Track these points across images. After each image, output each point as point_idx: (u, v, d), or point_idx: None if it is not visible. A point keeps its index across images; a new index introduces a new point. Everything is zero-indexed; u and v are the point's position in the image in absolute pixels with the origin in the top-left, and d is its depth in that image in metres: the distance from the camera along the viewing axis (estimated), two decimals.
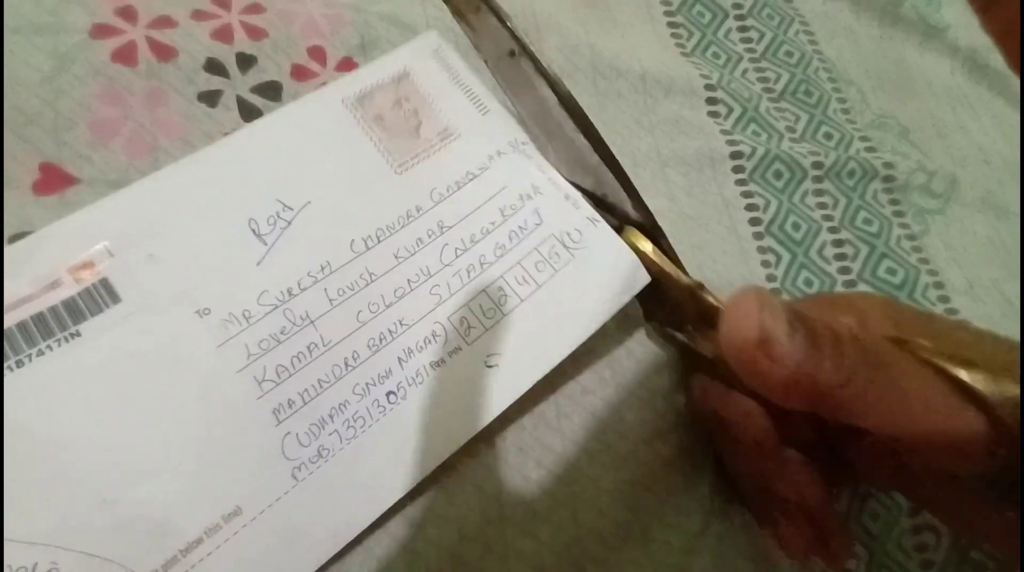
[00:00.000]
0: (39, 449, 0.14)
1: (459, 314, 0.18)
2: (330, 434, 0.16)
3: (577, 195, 0.19)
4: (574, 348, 0.18)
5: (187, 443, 0.15)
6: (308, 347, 0.17)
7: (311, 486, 0.16)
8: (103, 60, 0.18)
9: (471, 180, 0.19)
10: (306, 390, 0.16)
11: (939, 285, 0.26)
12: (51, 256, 0.15)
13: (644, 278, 0.18)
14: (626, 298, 0.18)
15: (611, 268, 0.19)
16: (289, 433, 0.16)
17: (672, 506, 0.19)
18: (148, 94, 0.18)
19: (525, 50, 0.18)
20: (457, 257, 0.18)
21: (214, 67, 0.19)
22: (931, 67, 0.31)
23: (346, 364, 0.17)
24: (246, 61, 0.20)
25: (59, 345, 0.15)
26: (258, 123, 0.18)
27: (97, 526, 0.14)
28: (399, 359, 0.17)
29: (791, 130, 0.27)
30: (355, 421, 0.16)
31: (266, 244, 0.17)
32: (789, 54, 0.28)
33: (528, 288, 0.18)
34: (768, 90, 0.27)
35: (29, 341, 0.15)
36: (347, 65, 0.21)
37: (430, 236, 0.18)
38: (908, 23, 0.31)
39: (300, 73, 0.20)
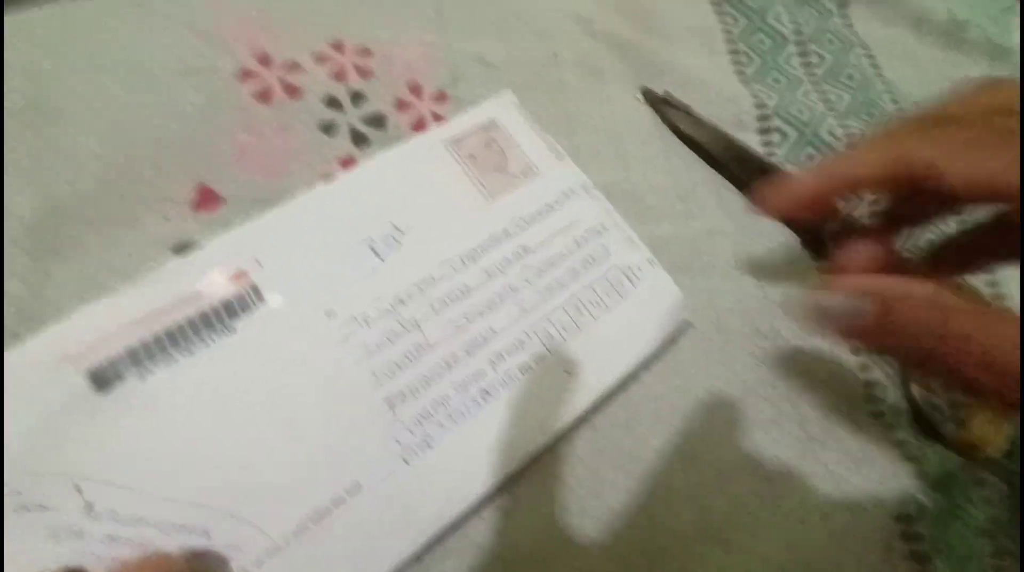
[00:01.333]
0: (198, 424, 0.17)
1: (542, 326, 0.20)
2: (434, 424, 0.19)
3: (636, 237, 0.23)
4: (641, 359, 0.20)
5: (316, 422, 0.18)
6: (415, 347, 0.19)
7: (418, 469, 0.18)
8: (246, 99, 0.22)
9: (549, 212, 0.22)
10: (414, 384, 0.19)
11: (999, 295, 0.25)
12: (214, 266, 0.19)
13: (686, 311, 0.22)
14: (674, 323, 0.22)
15: (664, 302, 0.22)
16: (400, 421, 0.18)
17: (744, 508, 0.20)
18: (280, 126, 0.22)
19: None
20: (538, 277, 0.21)
21: (332, 102, 0.23)
22: None
23: (447, 364, 0.19)
24: (358, 96, 0.23)
25: (219, 339, 0.18)
26: (375, 160, 0.22)
27: (242, 489, 0.17)
28: (491, 362, 0.20)
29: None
30: (455, 414, 0.19)
31: (381, 259, 0.20)
32: (851, 77, 0.29)
33: (599, 309, 0.21)
34: (832, 109, 0.28)
35: (196, 334, 0.18)
36: (440, 97, 0.24)
37: (515, 257, 0.21)
38: (973, 45, 0.32)
39: (401, 105, 0.23)
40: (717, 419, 0.21)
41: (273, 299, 0.19)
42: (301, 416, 0.18)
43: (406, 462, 0.18)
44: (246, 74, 0.22)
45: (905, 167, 0.14)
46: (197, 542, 0.16)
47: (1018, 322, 0.13)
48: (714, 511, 0.19)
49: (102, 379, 0.17)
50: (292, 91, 0.22)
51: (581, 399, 0.20)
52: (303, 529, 0.17)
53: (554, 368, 0.20)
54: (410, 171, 0.21)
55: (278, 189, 0.21)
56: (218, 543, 0.16)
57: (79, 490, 0.16)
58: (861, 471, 0.21)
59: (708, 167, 0.26)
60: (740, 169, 0.25)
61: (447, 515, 0.18)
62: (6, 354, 0.17)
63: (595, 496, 0.19)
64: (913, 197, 0.16)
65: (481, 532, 0.18)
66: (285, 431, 0.18)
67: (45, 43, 0.21)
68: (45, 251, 0.19)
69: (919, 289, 0.14)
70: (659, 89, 0.26)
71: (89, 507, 0.16)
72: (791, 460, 0.20)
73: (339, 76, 0.23)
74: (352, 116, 0.23)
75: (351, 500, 0.17)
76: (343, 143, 0.22)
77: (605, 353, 0.20)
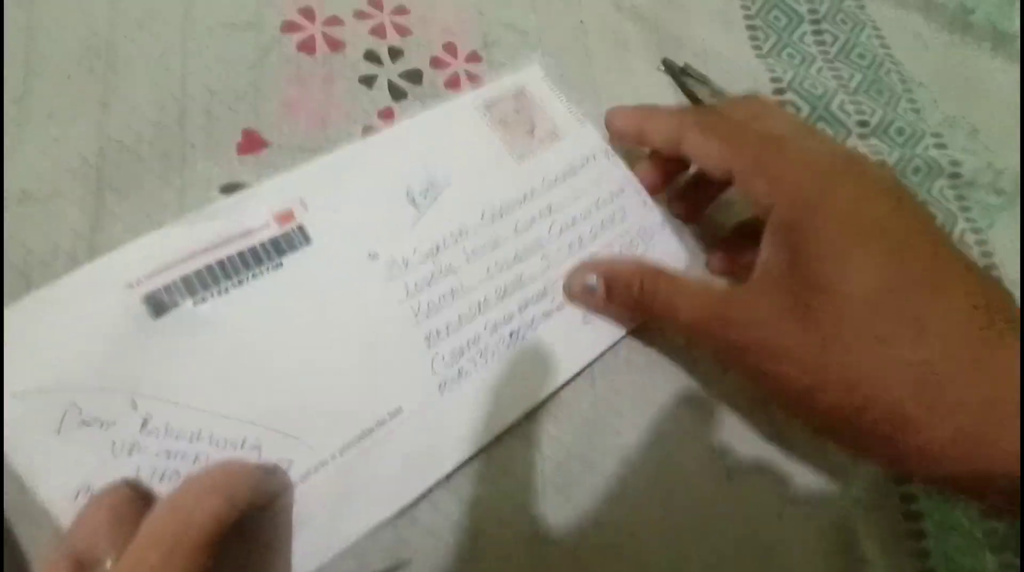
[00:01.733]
0: (249, 348, 0.18)
1: (563, 279, 0.22)
2: (467, 360, 0.20)
3: (651, 201, 0.24)
4: None
5: (362, 351, 0.19)
6: (451, 290, 0.21)
7: (453, 397, 0.20)
8: (291, 50, 0.23)
9: (573, 174, 0.23)
10: (449, 323, 0.20)
11: (1000, 278, 0.27)
12: (262, 206, 0.20)
13: (697, 268, 0.24)
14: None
15: (676, 257, 0.24)
16: (438, 354, 0.20)
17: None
18: (323, 78, 0.23)
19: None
20: (562, 233, 0.23)
21: (372, 57, 0.24)
22: (1001, 72, 0.33)
23: (479, 306, 0.21)
24: (396, 53, 0.24)
25: (267, 272, 0.19)
26: (415, 118, 0.23)
27: (291, 409, 0.18)
28: (519, 307, 0.21)
29: (863, 124, 0.29)
30: (486, 351, 0.20)
31: (419, 210, 0.21)
32: (861, 56, 0.31)
33: None
34: (843, 86, 0.29)
35: (246, 266, 0.19)
36: (474, 58, 0.25)
37: (541, 215, 0.23)
38: (979, 30, 0.33)
39: (437, 63, 0.24)
40: (692, 402, 0.22)
41: (319, 239, 0.20)
42: (346, 345, 0.19)
43: (441, 391, 0.19)
44: (291, 26, 0.23)
45: (674, 143, 0.20)
46: (250, 455, 0.17)
47: (691, 286, 0.19)
48: (674, 505, 0.21)
49: (158, 304, 0.18)
50: (334, 45, 0.23)
51: (596, 344, 0.22)
52: (348, 447, 0.18)
53: (574, 317, 0.22)
54: (447, 130, 0.23)
55: (319, 137, 0.22)
56: (269, 457, 0.18)
57: (135, 406, 0.17)
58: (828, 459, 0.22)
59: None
60: None
61: (478, 441, 0.19)
62: (66, 278, 0.18)
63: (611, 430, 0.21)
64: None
65: (506, 456, 0.20)
66: (331, 358, 0.19)
67: None
68: (104, 186, 0.20)
69: (626, 264, 0.21)
70: (680, 60, 0.28)
71: (145, 422, 0.17)
72: (756, 450, 0.22)
73: (378, 32, 0.24)
74: (391, 71, 0.24)
75: (391, 422, 0.19)
76: (382, 96, 0.23)
77: None
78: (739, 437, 0.22)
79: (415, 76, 0.24)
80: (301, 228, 0.20)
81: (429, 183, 0.22)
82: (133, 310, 0.18)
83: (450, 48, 0.25)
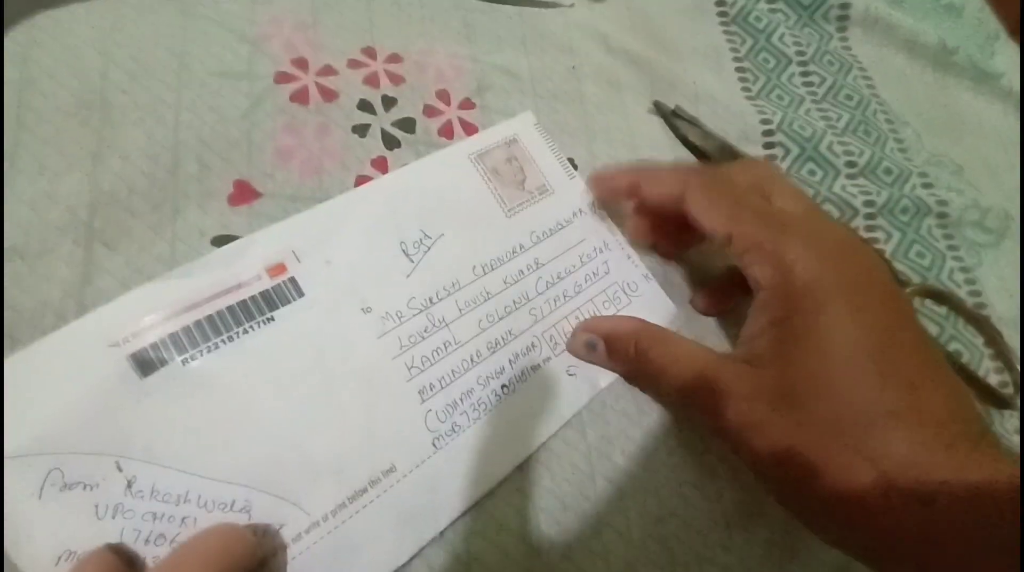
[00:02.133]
0: (239, 406, 0.18)
1: (549, 333, 0.22)
2: (461, 414, 0.20)
3: (636, 255, 0.25)
4: None
5: (355, 408, 0.19)
6: (444, 344, 0.21)
7: (447, 453, 0.19)
8: (284, 101, 0.23)
9: (560, 229, 0.24)
10: (443, 377, 0.20)
11: (988, 316, 0.27)
12: (254, 258, 0.20)
13: (678, 318, 0.24)
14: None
15: (658, 312, 0.24)
16: (431, 410, 0.20)
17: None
18: (317, 127, 0.23)
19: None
20: (548, 288, 0.23)
21: (365, 106, 0.24)
22: (984, 110, 0.33)
23: (472, 360, 0.21)
24: (389, 101, 0.24)
25: (258, 327, 0.19)
26: (407, 167, 0.23)
27: (282, 469, 0.18)
28: (509, 361, 0.21)
29: (851, 165, 0.29)
30: (479, 405, 0.20)
31: (412, 262, 0.21)
32: (848, 96, 0.31)
33: None
34: (831, 127, 0.30)
35: (237, 322, 0.19)
36: (467, 104, 0.25)
37: (529, 269, 0.23)
38: (961, 70, 0.34)
39: (430, 111, 0.25)
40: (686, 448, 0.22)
41: (311, 292, 0.20)
42: (339, 401, 0.19)
43: (436, 447, 0.19)
44: (284, 77, 0.23)
45: (675, 200, 0.20)
46: (239, 518, 0.17)
47: (682, 349, 0.20)
48: (675, 559, 0.21)
49: (145, 363, 0.18)
50: (328, 94, 0.24)
51: (583, 393, 0.22)
52: (341, 507, 0.18)
53: (559, 370, 0.22)
54: (440, 180, 0.23)
55: (312, 186, 0.22)
56: (259, 520, 0.17)
57: (119, 468, 0.17)
58: None
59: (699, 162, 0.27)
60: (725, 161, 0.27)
61: (472, 495, 0.19)
62: (50, 337, 0.17)
63: (607, 481, 0.21)
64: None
65: (500, 509, 0.20)
66: (323, 415, 0.19)
67: (90, 38, 0.22)
68: (95, 240, 0.20)
69: (625, 325, 0.21)
70: (671, 103, 0.28)
71: (130, 484, 0.16)
72: (755, 497, 0.22)
73: (371, 82, 0.24)
74: (384, 120, 0.24)
75: (386, 480, 0.18)
76: (375, 145, 0.23)
77: None
78: (738, 485, 0.22)
79: (408, 125, 0.24)
80: (293, 281, 0.20)
81: (422, 234, 0.22)
82: (119, 369, 0.17)
83: (443, 95, 0.25)
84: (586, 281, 0.23)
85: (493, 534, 0.19)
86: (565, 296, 0.23)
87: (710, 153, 0.27)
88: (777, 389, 0.17)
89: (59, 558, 0.16)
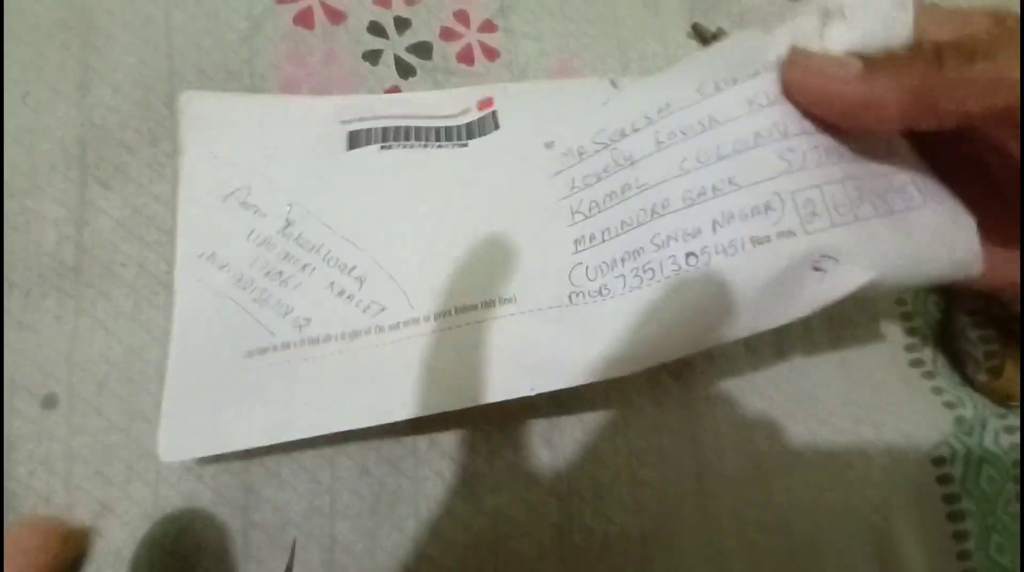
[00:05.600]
0: (406, 199, 0.18)
1: (806, 194, 0.15)
2: (616, 277, 0.16)
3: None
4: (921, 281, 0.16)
5: (502, 236, 0.17)
6: (622, 187, 0.16)
7: (580, 314, 0.16)
8: (287, 24, 0.21)
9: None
10: (608, 229, 0.16)
11: None
12: (470, 93, 0.20)
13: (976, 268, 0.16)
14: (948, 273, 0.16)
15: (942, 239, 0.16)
16: (580, 263, 0.16)
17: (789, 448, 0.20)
18: (324, 54, 0.21)
19: None
20: (817, 130, 0.15)
21: (376, 29, 0.21)
22: None
23: (653, 211, 0.16)
24: (402, 24, 0.22)
25: (452, 147, 0.19)
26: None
27: (412, 262, 0.17)
28: (714, 221, 0.15)
29: None
30: (644, 271, 0.15)
31: (618, 88, 0.19)
32: None
33: (882, 206, 0.15)
34: None
35: (436, 138, 0.19)
36: (488, 27, 0.23)
37: (777, 99, 0.15)
38: None
39: (447, 34, 0.22)
40: None
41: (506, 126, 0.19)
42: (494, 222, 0.17)
43: (570, 301, 0.16)
44: None
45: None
46: (349, 283, 0.17)
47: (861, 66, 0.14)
48: (761, 452, 0.20)
49: (355, 139, 0.19)
50: (334, 16, 0.21)
51: (818, 299, 0.15)
52: (443, 314, 0.16)
53: (803, 256, 0.14)
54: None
55: None
56: (366, 292, 0.17)
57: (289, 206, 0.18)
58: (902, 415, 0.21)
59: None
60: None
61: (589, 373, 0.15)
62: (294, 100, 0.19)
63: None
64: None
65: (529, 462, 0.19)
66: (473, 234, 0.17)
67: None
68: (87, 177, 0.18)
69: (817, 55, 0.15)
70: (713, 25, 0.25)
71: (288, 224, 0.17)
72: (833, 402, 0.21)
73: (382, 1, 0.22)
74: (397, 45, 0.21)
75: (500, 308, 0.16)
76: (388, 72, 0.21)
77: (884, 259, 0.15)
78: (776, 427, 0.21)
79: (424, 49, 0.22)
80: (495, 115, 0.19)
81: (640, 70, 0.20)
82: (335, 137, 0.19)
83: (462, 16, 0.22)
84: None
85: (520, 487, 0.18)
86: (840, 155, 0.15)
87: None
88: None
89: (201, 254, 0.17)
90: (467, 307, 0.17)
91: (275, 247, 0.17)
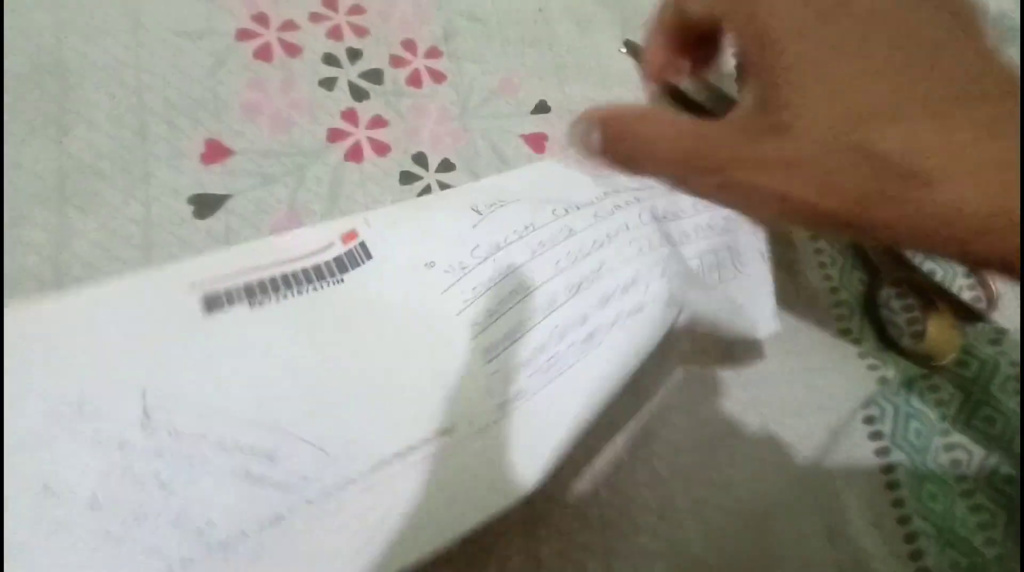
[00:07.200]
0: (294, 357, 0.17)
1: (661, 266, 0.18)
2: (530, 376, 0.17)
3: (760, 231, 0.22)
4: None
5: (417, 365, 0.18)
6: (511, 292, 0.18)
7: (512, 420, 0.17)
8: (248, 58, 0.23)
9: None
10: (510, 332, 0.18)
11: None
12: (330, 227, 0.20)
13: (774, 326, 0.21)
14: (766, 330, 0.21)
15: (761, 299, 0.21)
16: (497, 371, 0.18)
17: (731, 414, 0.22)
18: (282, 82, 0.23)
19: None
20: (654, 220, 0.19)
21: (330, 60, 0.24)
22: None
23: (545, 308, 0.18)
24: (354, 54, 0.24)
25: (328, 286, 0.19)
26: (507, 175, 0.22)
27: (325, 420, 0.16)
28: (599, 302, 0.18)
29: None
30: (552, 363, 0.17)
31: (482, 214, 0.20)
32: None
33: (722, 273, 0.20)
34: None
35: (308, 281, 0.19)
36: (433, 53, 0.25)
37: (627, 204, 0.20)
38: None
39: (397, 62, 0.24)
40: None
41: (378, 254, 0.19)
42: (404, 358, 0.18)
43: (502, 412, 0.17)
44: (245, 34, 0.23)
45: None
46: (256, 465, 0.16)
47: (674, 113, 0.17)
48: (707, 422, 0.22)
49: (212, 301, 0.17)
50: (291, 49, 0.23)
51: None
52: (383, 464, 0.16)
53: (668, 310, 0.18)
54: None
55: (283, 141, 0.22)
56: (281, 469, 0.16)
57: (142, 393, 0.16)
58: (830, 378, 0.23)
59: (692, 115, 0.27)
60: (722, 114, 0.27)
61: (545, 464, 0.16)
62: (128, 278, 0.18)
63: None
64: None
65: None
66: (389, 368, 0.18)
67: (42, 1, 0.22)
68: (66, 204, 0.20)
69: (628, 109, 0.16)
70: (643, 40, 0.28)
71: (146, 416, 0.15)
72: (768, 368, 0.23)
73: (334, 35, 0.24)
74: (350, 72, 0.24)
75: (438, 440, 0.17)
76: (343, 97, 0.23)
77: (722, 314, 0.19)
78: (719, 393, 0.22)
79: (376, 76, 0.24)
80: (363, 245, 0.19)
81: (498, 199, 0.20)
82: (187, 306, 0.17)
83: (409, 45, 0.25)
84: (696, 232, 0.20)
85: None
86: (684, 236, 0.20)
87: (687, 91, 0.27)
88: (765, 121, 0.14)
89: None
90: (403, 452, 0.16)
91: (136, 447, 0.15)
